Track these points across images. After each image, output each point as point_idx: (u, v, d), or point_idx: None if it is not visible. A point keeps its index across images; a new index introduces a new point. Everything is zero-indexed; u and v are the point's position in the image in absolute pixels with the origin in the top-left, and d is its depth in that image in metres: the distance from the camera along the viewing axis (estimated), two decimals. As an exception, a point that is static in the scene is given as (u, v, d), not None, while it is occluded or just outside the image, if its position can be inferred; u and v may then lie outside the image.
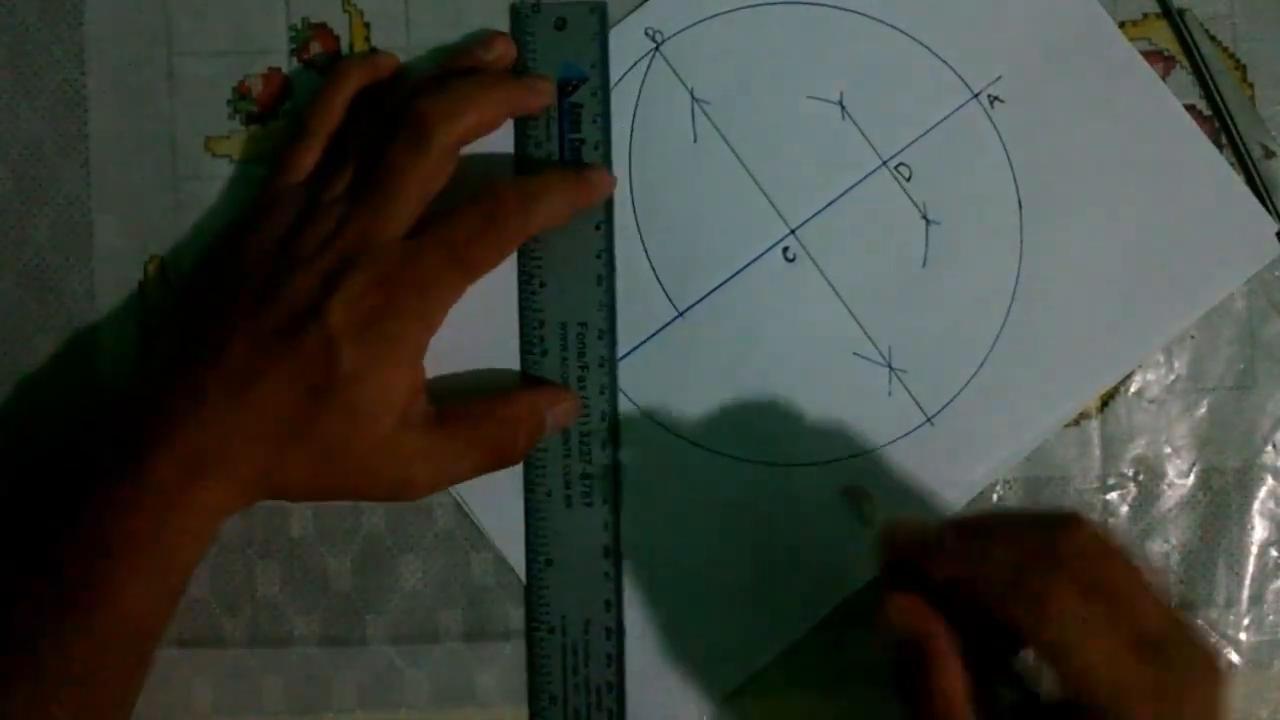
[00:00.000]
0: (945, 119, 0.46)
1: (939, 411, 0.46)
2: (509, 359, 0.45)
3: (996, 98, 0.46)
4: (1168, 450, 0.47)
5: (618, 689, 0.45)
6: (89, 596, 0.39)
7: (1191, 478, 0.47)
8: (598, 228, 0.45)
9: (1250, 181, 0.47)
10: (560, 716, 0.45)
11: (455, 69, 0.44)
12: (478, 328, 0.44)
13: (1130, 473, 0.47)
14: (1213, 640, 0.46)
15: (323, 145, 0.44)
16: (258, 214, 0.43)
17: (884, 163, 0.46)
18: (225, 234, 0.45)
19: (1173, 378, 0.47)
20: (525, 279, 0.45)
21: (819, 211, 0.46)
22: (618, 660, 0.45)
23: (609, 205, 0.46)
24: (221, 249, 0.45)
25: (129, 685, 0.41)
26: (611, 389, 0.46)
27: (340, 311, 0.40)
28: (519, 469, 0.45)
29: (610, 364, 0.45)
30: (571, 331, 0.45)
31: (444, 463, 0.42)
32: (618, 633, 0.45)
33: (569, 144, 0.45)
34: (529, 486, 0.45)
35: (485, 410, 0.43)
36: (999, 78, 0.46)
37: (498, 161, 0.45)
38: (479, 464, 0.43)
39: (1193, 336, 0.47)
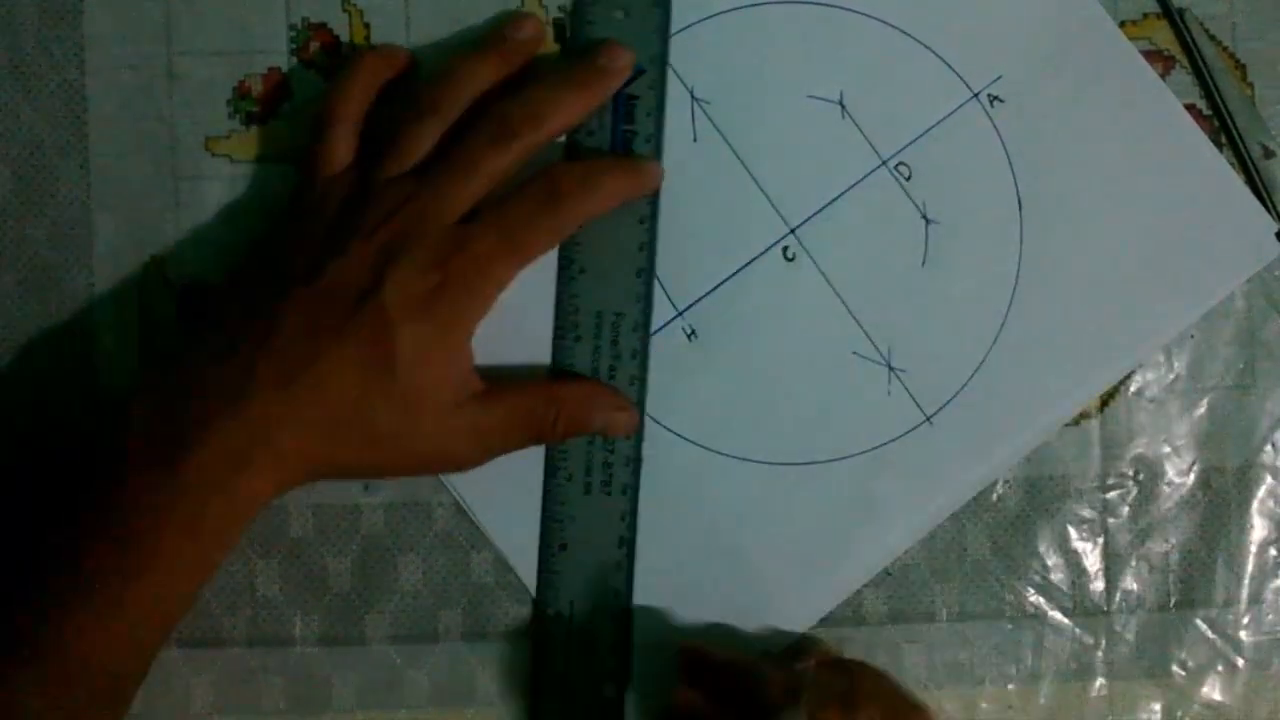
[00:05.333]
0: (945, 119, 0.46)
1: (938, 411, 0.46)
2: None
3: (996, 98, 0.46)
4: (1168, 450, 0.47)
5: (621, 677, 0.45)
6: (121, 579, 0.39)
7: (1191, 477, 0.47)
8: (641, 221, 0.45)
9: (1250, 181, 0.47)
10: (561, 700, 0.45)
11: (493, 51, 0.44)
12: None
13: (1130, 472, 0.47)
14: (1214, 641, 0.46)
15: (355, 134, 0.44)
16: (304, 206, 0.43)
17: (884, 162, 0.46)
18: (271, 230, 0.45)
19: (1173, 377, 0.47)
20: (565, 264, 0.45)
21: (819, 211, 0.46)
22: (623, 649, 0.45)
23: (655, 200, 0.45)
24: (268, 243, 0.44)
25: (145, 666, 0.41)
26: (642, 380, 0.45)
27: (396, 293, 0.40)
28: (538, 453, 0.45)
29: (642, 356, 0.45)
30: (606, 320, 0.45)
31: (489, 437, 0.43)
32: (625, 621, 0.45)
33: (621, 135, 0.45)
34: (550, 470, 0.45)
35: (534, 388, 0.44)
36: (999, 78, 0.46)
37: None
38: (516, 438, 0.43)
39: (1193, 336, 0.47)
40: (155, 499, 0.39)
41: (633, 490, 0.45)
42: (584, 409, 0.44)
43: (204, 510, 0.40)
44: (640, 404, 0.45)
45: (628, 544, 0.45)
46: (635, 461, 0.45)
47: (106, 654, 0.40)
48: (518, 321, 0.45)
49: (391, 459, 0.42)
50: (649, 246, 0.45)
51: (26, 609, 0.39)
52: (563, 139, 0.45)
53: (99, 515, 0.40)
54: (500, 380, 0.43)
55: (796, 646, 0.45)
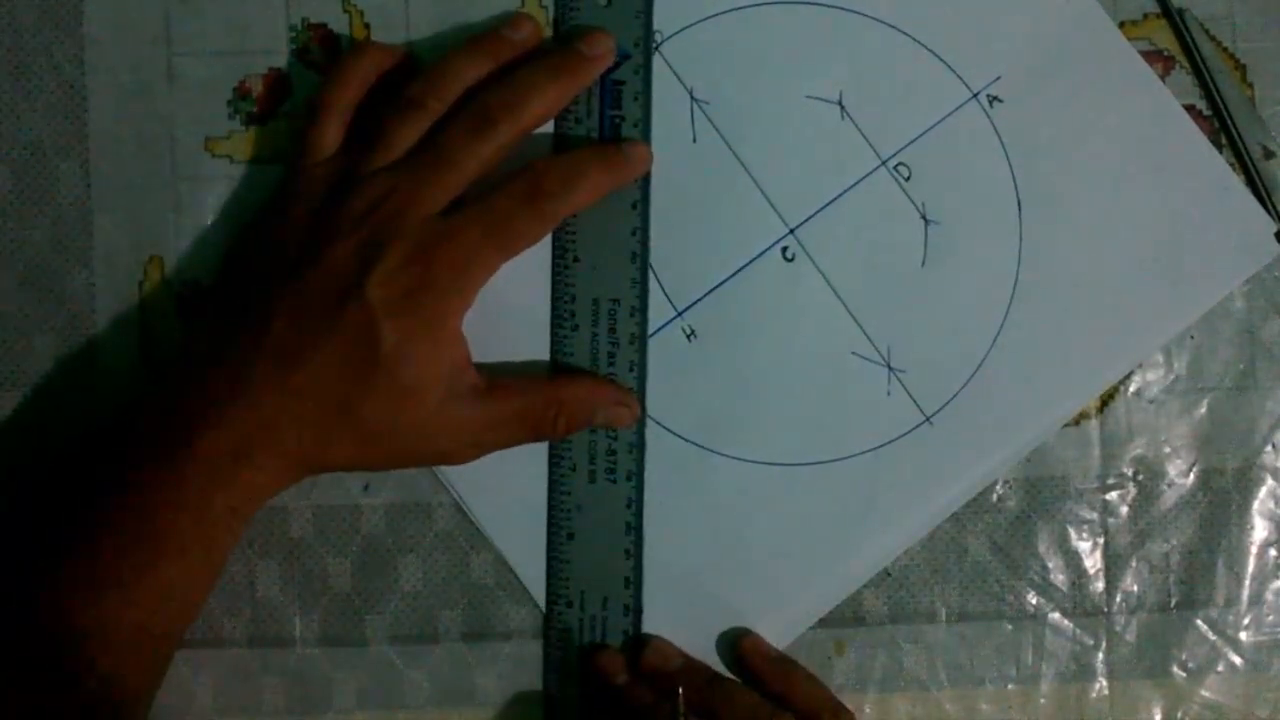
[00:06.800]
0: (945, 119, 0.46)
1: (938, 411, 0.46)
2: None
3: (996, 98, 0.46)
4: (1168, 450, 0.47)
5: (633, 665, 0.45)
6: (132, 570, 0.40)
7: (1191, 478, 0.47)
8: (634, 206, 0.45)
9: (1250, 181, 0.46)
10: (575, 690, 0.45)
11: (486, 49, 0.44)
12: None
13: (1130, 473, 0.47)
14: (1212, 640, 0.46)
15: (344, 124, 0.44)
16: (290, 192, 0.43)
17: (883, 162, 0.46)
18: (259, 215, 0.45)
19: (1173, 378, 0.47)
20: (559, 253, 0.45)
21: (818, 211, 0.46)
22: (635, 638, 0.45)
23: (646, 184, 0.46)
24: (257, 229, 0.45)
25: (163, 660, 0.42)
26: (641, 366, 0.46)
27: (379, 288, 0.40)
28: (538, 453, 0.46)
29: (641, 340, 0.46)
30: (604, 307, 0.45)
31: (484, 434, 0.43)
32: (635, 610, 0.45)
33: (609, 120, 0.45)
34: (553, 460, 0.46)
35: (535, 387, 0.44)
36: (999, 78, 0.46)
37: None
38: (516, 436, 0.44)
39: (1192, 336, 0.47)
40: (160, 493, 0.40)
41: (637, 477, 0.45)
42: (586, 407, 0.44)
43: (208, 500, 0.40)
44: (640, 390, 0.46)
45: (635, 530, 0.45)
46: (639, 448, 0.46)
47: (122, 649, 0.40)
48: (515, 312, 0.45)
49: (387, 453, 0.42)
50: (642, 231, 0.45)
51: (40, 605, 0.40)
52: (551, 128, 0.45)
53: (108, 509, 0.40)
54: (501, 377, 0.43)
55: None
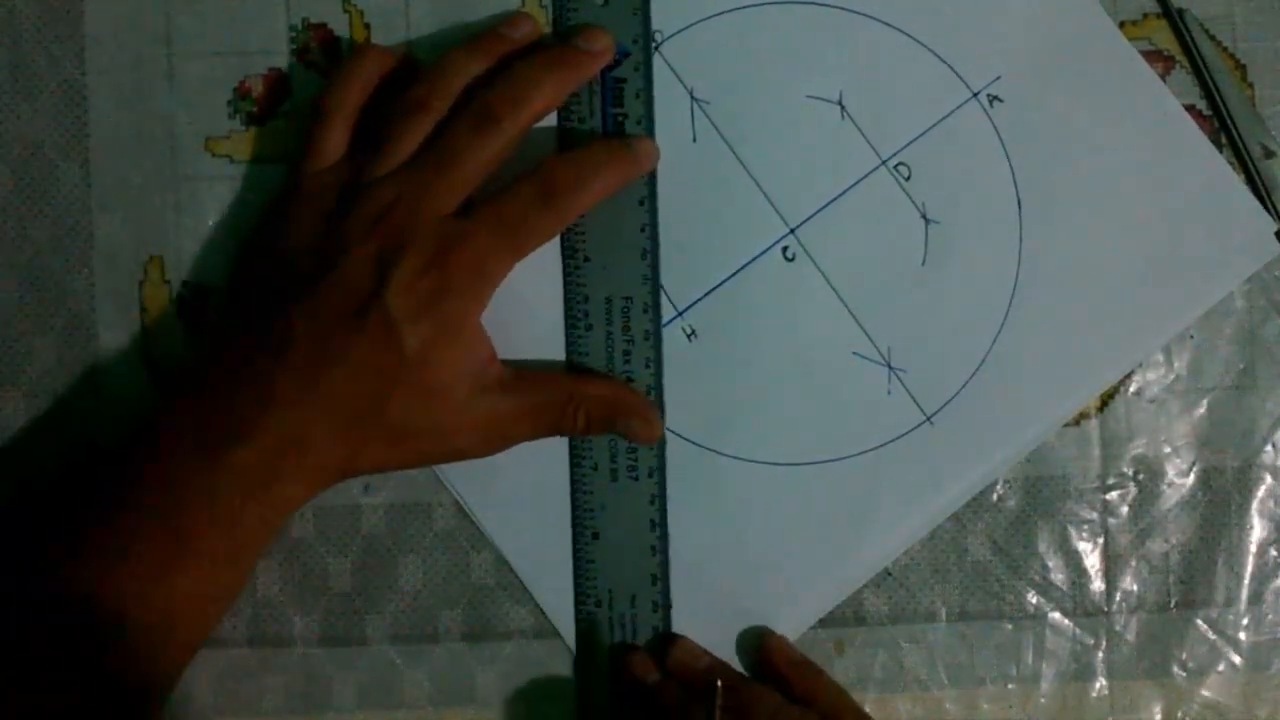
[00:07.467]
0: (945, 119, 0.46)
1: (938, 411, 0.46)
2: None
3: (996, 97, 0.46)
4: (1167, 450, 0.47)
5: (663, 663, 0.45)
6: (151, 581, 0.40)
7: (1191, 477, 0.47)
8: (641, 203, 0.45)
9: (1250, 181, 0.47)
10: (606, 690, 0.45)
11: (486, 48, 0.44)
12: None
13: (1130, 472, 0.47)
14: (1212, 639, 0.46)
15: (348, 129, 0.44)
16: (296, 200, 0.43)
17: (883, 162, 0.46)
18: (265, 222, 0.45)
19: (1173, 377, 0.47)
20: (569, 253, 0.45)
21: (818, 211, 0.46)
22: (662, 635, 0.45)
23: (653, 180, 0.46)
24: (264, 237, 0.44)
25: (178, 666, 0.42)
26: (657, 362, 0.46)
27: (399, 295, 0.40)
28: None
29: (655, 337, 0.46)
30: (616, 305, 0.45)
31: (509, 426, 0.43)
32: (664, 606, 0.45)
33: (611, 118, 0.45)
34: (575, 459, 0.46)
35: (557, 381, 0.44)
36: (999, 78, 0.46)
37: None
38: (538, 429, 0.44)
39: (1192, 336, 0.47)
40: (190, 504, 0.40)
41: (659, 473, 0.46)
42: (604, 406, 0.44)
43: (238, 515, 0.40)
44: (658, 387, 0.45)
45: (659, 526, 0.45)
46: (660, 444, 0.46)
47: (133, 653, 0.40)
48: (528, 315, 0.45)
49: (416, 451, 0.43)
50: (651, 228, 0.45)
51: (42, 606, 0.39)
52: (555, 124, 0.45)
53: (119, 514, 0.40)
54: (524, 370, 0.43)
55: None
